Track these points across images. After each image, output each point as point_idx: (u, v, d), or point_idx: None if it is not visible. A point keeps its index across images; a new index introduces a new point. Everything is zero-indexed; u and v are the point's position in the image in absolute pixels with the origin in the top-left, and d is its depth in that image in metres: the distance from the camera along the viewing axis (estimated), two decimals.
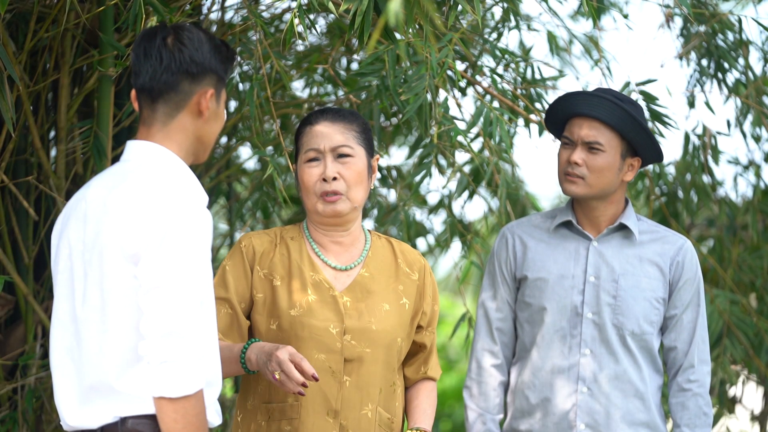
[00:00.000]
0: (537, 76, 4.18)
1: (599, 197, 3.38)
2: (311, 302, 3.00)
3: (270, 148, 4.50)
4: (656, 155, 3.39)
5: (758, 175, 5.05)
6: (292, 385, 2.79)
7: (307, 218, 3.12)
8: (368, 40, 3.02)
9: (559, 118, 3.41)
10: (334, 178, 2.98)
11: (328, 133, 3.01)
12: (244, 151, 5.52)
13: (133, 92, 2.57)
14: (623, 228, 3.42)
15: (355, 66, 4.83)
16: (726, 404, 5.05)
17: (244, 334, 3.04)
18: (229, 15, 4.46)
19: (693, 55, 4.67)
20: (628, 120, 3.31)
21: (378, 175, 4.92)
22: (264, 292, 3.02)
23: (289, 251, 3.05)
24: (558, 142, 3.47)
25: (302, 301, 3.00)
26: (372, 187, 3.09)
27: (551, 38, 4.94)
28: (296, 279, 3.02)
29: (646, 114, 4.07)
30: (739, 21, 4.34)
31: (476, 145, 4.21)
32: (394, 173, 5.03)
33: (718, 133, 4.81)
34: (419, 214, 4.94)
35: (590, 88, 3.85)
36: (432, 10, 3.02)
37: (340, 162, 3.00)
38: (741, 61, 4.52)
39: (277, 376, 2.81)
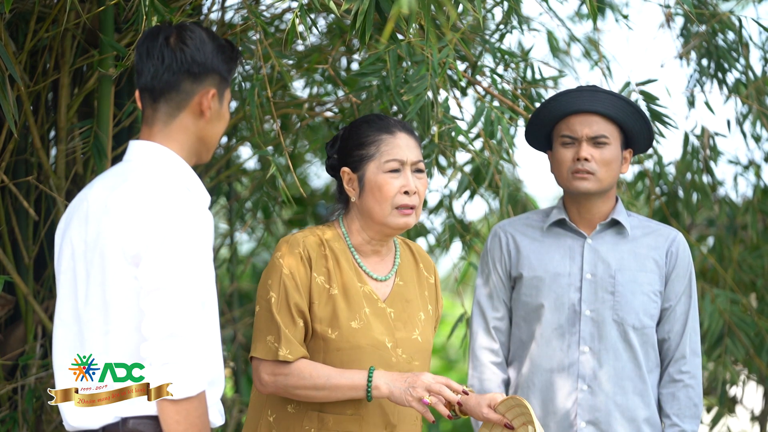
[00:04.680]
0: (537, 76, 4.18)
1: (604, 192, 3.39)
2: (368, 314, 2.97)
3: (270, 147, 4.49)
4: (648, 142, 3.42)
5: (758, 175, 5.05)
6: (442, 408, 2.83)
7: (352, 224, 3.04)
8: (371, 37, 3.01)
9: (551, 118, 3.40)
10: (414, 192, 2.99)
11: (409, 147, 3.00)
12: (244, 151, 5.52)
13: (137, 92, 2.57)
14: (616, 224, 3.43)
15: (355, 66, 4.82)
16: (726, 404, 5.05)
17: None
18: (229, 15, 4.46)
19: (693, 55, 4.67)
20: (628, 109, 3.35)
21: None
22: (320, 299, 2.96)
23: (336, 258, 3.00)
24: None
25: (361, 314, 2.96)
26: None
27: (551, 38, 4.94)
28: (350, 289, 2.98)
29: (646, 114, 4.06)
30: (740, 21, 4.34)
31: (477, 145, 4.21)
32: None
33: (716, 134, 4.82)
34: None
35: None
36: (446, 1, 3.01)
37: (416, 177, 3.00)
38: (741, 60, 4.52)
39: (427, 400, 2.84)
